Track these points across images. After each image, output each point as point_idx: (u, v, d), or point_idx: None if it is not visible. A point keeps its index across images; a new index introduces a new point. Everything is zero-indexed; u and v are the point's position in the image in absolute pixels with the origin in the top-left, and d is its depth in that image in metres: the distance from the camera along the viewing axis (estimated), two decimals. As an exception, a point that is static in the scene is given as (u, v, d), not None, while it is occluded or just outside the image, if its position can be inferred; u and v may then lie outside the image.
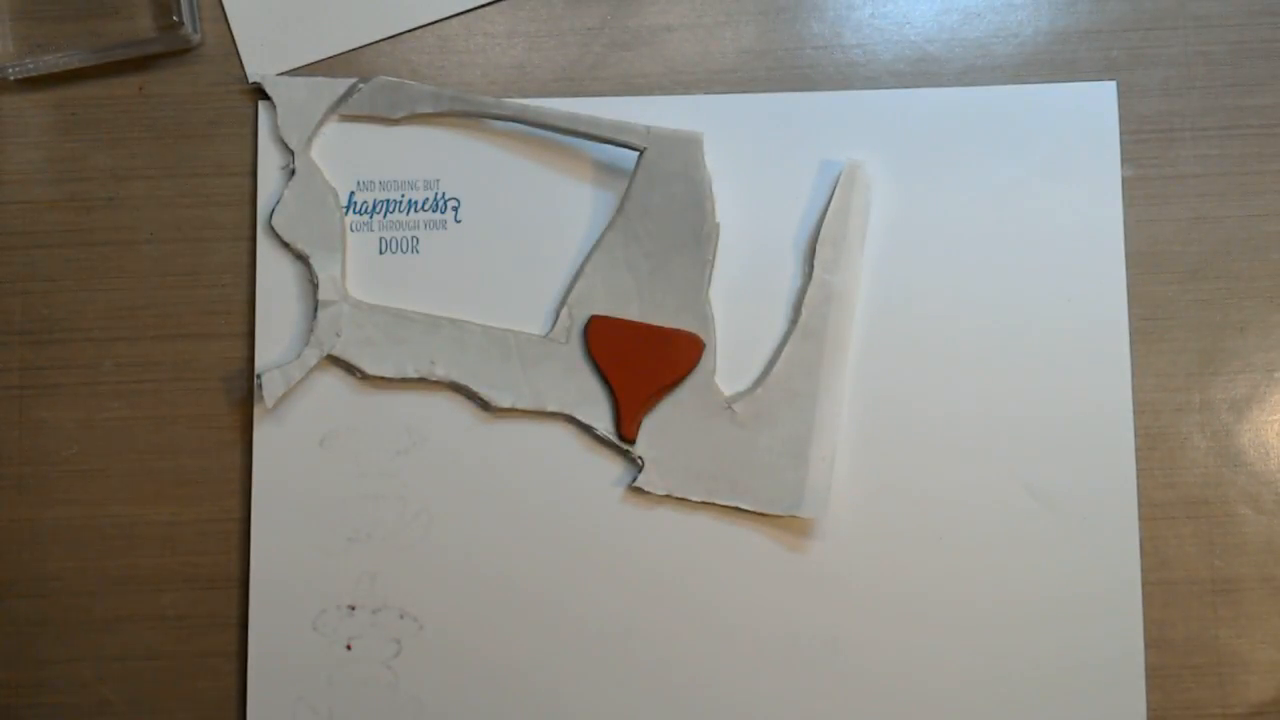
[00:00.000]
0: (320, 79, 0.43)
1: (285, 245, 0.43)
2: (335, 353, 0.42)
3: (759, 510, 0.41)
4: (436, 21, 0.44)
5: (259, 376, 0.42)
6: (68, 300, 0.43)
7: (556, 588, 0.42)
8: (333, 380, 0.43)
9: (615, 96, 0.44)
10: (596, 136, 0.42)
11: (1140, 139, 0.43)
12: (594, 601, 0.42)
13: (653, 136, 0.42)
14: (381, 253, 0.43)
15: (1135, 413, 0.42)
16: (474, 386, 0.42)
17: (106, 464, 0.43)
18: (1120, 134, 0.43)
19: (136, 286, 0.44)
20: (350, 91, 0.43)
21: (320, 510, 0.42)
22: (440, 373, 0.42)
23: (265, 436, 0.42)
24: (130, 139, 0.44)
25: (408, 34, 0.44)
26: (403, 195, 0.43)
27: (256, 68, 0.44)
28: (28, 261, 0.44)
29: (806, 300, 0.42)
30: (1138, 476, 0.42)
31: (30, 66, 0.43)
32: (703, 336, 0.42)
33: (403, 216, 0.43)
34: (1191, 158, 0.43)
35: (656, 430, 0.42)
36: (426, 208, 0.43)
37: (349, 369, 0.42)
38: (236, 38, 0.44)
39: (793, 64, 0.44)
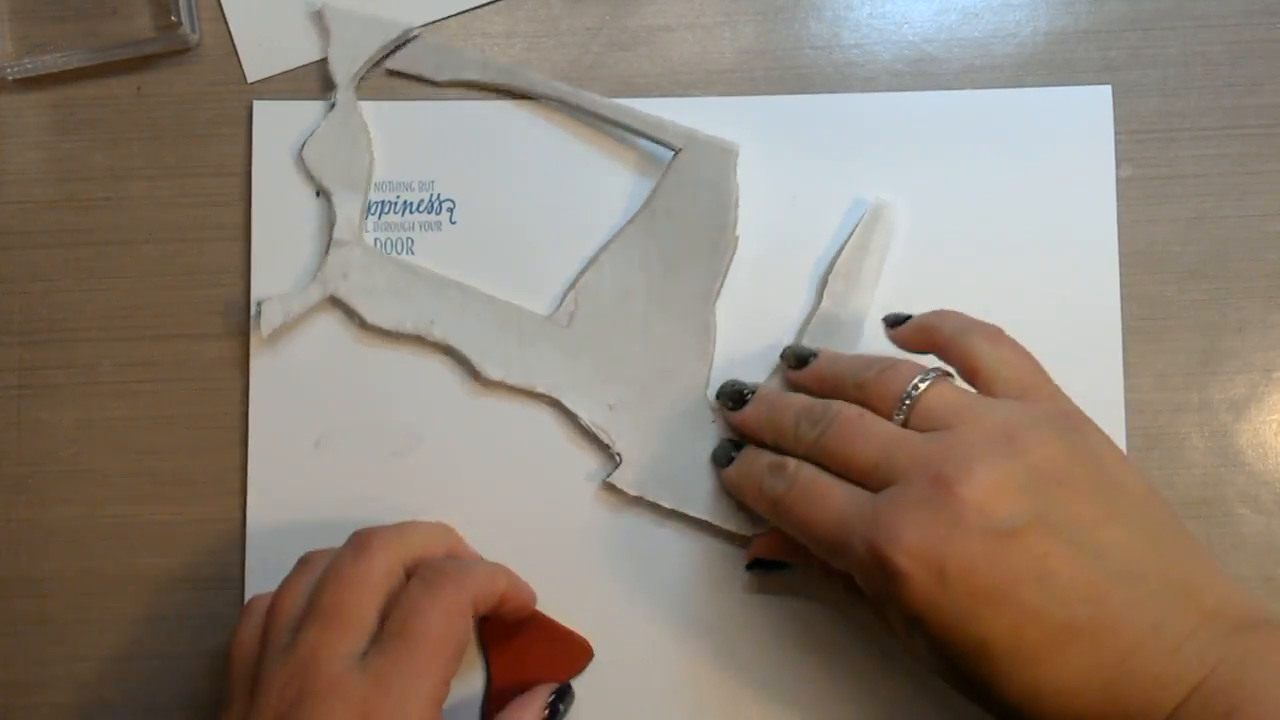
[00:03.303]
0: (376, 18, 0.43)
1: (310, 177, 0.43)
2: (339, 295, 0.42)
3: (725, 527, 0.41)
4: (435, 21, 0.44)
5: (258, 304, 0.42)
6: (66, 300, 0.43)
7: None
8: (330, 381, 0.43)
9: (614, 97, 0.44)
10: (635, 129, 0.42)
11: (1139, 139, 0.43)
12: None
13: (690, 139, 0.42)
14: (380, 253, 0.43)
15: (1131, 414, 0.42)
16: (468, 354, 0.42)
17: (105, 464, 0.43)
18: (1118, 134, 0.43)
19: (135, 286, 0.44)
20: (403, 40, 0.43)
21: (317, 511, 0.42)
22: (437, 334, 0.42)
23: (261, 436, 0.42)
24: (129, 139, 0.44)
25: (406, 34, 0.44)
26: (398, 196, 0.43)
27: (255, 69, 0.44)
28: (26, 261, 0.44)
29: (809, 330, 0.42)
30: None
31: (29, 66, 0.43)
32: (702, 353, 0.42)
33: (397, 218, 0.43)
34: (1190, 158, 0.43)
35: (640, 431, 0.42)
36: (421, 209, 0.43)
37: (348, 313, 0.42)
38: (235, 38, 0.44)
39: (791, 64, 0.44)
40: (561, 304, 0.42)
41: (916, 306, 0.42)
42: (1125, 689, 0.30)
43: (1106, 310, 0.43)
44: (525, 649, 0.41)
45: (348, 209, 0.42)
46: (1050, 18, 0.44)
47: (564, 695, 0.39)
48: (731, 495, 0.40)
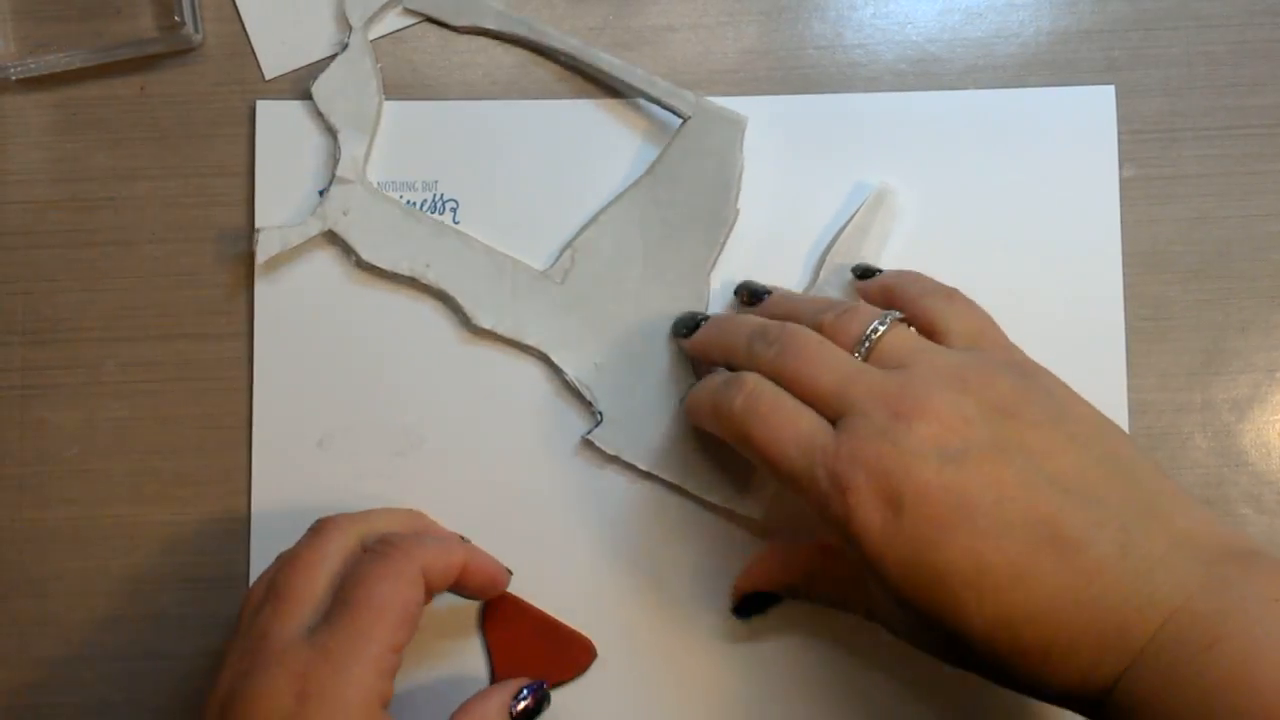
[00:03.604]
0: None
1: (320, 115, 0.43)
2: (337, 230, 0.42)
3: (699, 494, 0.41)
4: (438, 20, 0.44)
5: (257, 232, 0.42)
6: (69, 300, 0.43)
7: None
8: (331, 380, 0.43)
9: (617, 98, 0.44)
10: (647, 94, 0.42)
11: (1142, 139, 0.43)
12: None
13: (699, 107, 0.42)
14: (382, 253, 0.43)
15: (1135, 414, 0.42)
16: (460, 300, 0.42)
17: (108, 464, 0.43)
18: (1121, 134, 0.43)
19: (138, 286, 0.44)
20: None
21: (321, 511, 0.42)
22: (432, 277, 0.42)
23: (264, 437, 0.42)
24: (132, 139, 0.44)
25: (410, 32, 0.44)
26: (401, 196, 0.43)
27: (272, 66, 0.44)
28: (29, 261, 0.44)
29: None
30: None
31: (32, 66, 0.43)
32: (697, 307, 0.42)
33: (404, 216, 0.44)
34: (1193, 158, 0.43)
35: (624, 392, 0.42)
36: (424, 209, 0.43)
37: (346, 250, 0.42)
38: (251, 35, 0.44)
39: (794, 64, 0.44)
40: (558, 260, 0.42)
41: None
42: (1097, 611, 0.30)
43: (1109, 310, 0.43)
44: (528, 648, 0.41)
45: (352, 148, 0.42)
46: (1053, 18, 0.44)
47: (536, 693, 0.37)
48: (707, 462, 0.41)
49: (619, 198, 0.42)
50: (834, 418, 0.33)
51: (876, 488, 0.31)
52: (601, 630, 0.42)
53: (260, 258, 0.42)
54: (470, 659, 0.41)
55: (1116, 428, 0.34)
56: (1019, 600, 0.30)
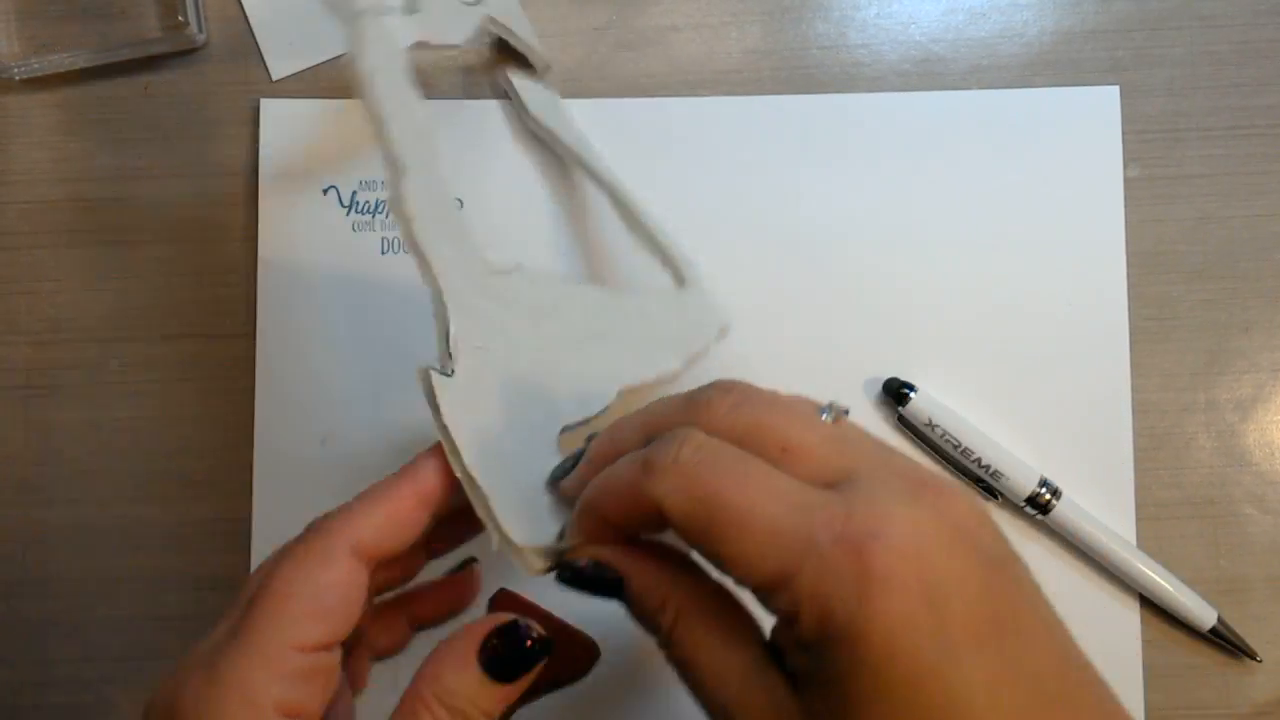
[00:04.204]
0: None
1: None
2: (354, 22, 0.34)
3: (480, 512, 0.32)
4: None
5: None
6: (73, 300, 0.43)
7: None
8: (333, 378, 0.43)
9: (621, 98, 0.44)
10: (661, 250, 0.41)
11: (1145, 139, 0.43)
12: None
13: (696, 285, 0.40)
14: (384, 253, 0.43)
15: (1138, 414, 0.42)
16: (401, 183, 0.33)
17: (111, 464, 0.43)
18: (1125, 134, 0.43)
19: (141, 287, 0.43)
20: None
21: (322, 511, 0.42)
22: (393, 134, 0.33)
23: (266, 437, 0.42)
24: (135, 139, 0.44)
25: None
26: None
27: (279, 68, 0.44)
28: (33, 261, 0.44)
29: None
30: (1139, 477, 0.42)
31: (36, 66, 0.43)
32: (589, 407, 0.35)
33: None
34: (1197, 158, 0.43)
35: (489, 369, 0.34)
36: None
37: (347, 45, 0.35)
38: (257, 36, 0.44)
39: (798, 64, 0.44)
40: (506, 262, 0.36)
41: (921, 305, 0.43)
42: None
43: (1113, 310, 0.43)
44: None
45: None
46: (1057, 18, 0.44)
47: (520, 635, 0.30)
48: (524, 505, 0.32)
49: (586, 284, 0.40)
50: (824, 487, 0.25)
51: (912, 570, 0.23)
52: (603, 630, 0.42)
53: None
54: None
55: None
56: None
